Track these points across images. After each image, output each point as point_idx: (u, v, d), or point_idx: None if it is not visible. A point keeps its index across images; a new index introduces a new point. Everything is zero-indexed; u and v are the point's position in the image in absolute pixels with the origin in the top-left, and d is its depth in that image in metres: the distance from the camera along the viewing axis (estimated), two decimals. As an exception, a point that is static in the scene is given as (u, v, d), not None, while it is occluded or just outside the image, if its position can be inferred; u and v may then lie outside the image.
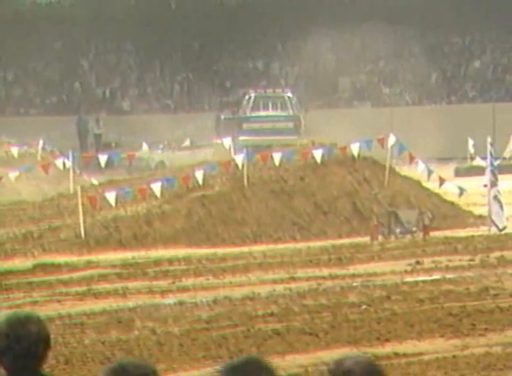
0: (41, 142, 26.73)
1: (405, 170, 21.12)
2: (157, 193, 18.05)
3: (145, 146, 30.00)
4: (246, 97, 31.91)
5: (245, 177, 18.87)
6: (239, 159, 19.41)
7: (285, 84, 40.92)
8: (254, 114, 31.26)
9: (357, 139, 20.74)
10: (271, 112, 31.49)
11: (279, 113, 31.48)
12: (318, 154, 19.51)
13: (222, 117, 33.05)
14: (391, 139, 19.97)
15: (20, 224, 18.23)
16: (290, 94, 32.14)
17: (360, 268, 14.46)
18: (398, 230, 17.87)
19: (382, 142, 20.01)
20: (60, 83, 42.75)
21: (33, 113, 41.07)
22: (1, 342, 3.60)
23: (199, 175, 18.78)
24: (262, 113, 31.46)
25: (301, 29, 39.77)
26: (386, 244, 17.17)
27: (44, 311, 11.36)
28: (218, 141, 26.75)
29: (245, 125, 30.63)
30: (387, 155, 19.90)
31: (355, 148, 19.81)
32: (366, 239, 17.60)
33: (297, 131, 30.53)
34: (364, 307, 11.58)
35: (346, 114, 37.16)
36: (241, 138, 27.80)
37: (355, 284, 13.01)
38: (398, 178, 20.25)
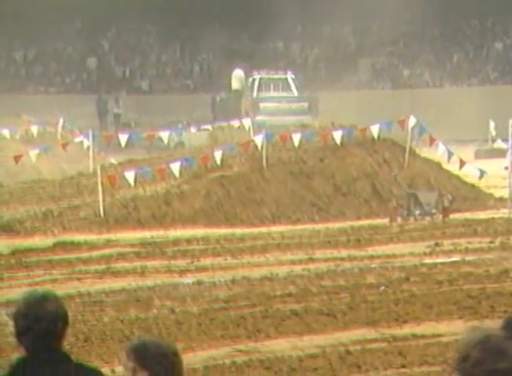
0: (60, 120, 26.80)
1: (425, 152, 21.02)
2: (176, 173, 18.06)
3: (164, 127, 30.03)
4: (251, 79, 32.04)
5: (264, 158, 18.84)
6: (259, 140, 19.37)
7: (304, 65, 40.75)
8: (271, 95, 31.41)
9: (377, 120, 20.64)
10: (283, 93, 31.68)
11: (293, 94, 31.71)
12: (338, 136, 19.45)
13: (218, 98, 33.21)
14: (412, 121, 19.86)
15: (40, 202, 18.31)
16: (292, 75, 32.31)
17: (379, 249, 14.43)
18: (417, 212, 17.81)
19: (402, 123, 19.91)
20: (80, 62, 42.80)
21: (53, 91, 41.16)
22: (20, 322, 3.60)
23: (218, 155, 18.76)
24: (281, 93, 31.58)
25: (321, 11, 39.55)
26: (405, 225, 17.12)
27: (63, 289, 11.41)
28: (237, 122, 26.84)
29: (261, 106, 30.76)
30: (407, 137, 19.80)
31: (374, 130, 19.72)
32: (385, 220, 17.55)
33: (312, 111, 30.55)
34: (382, 288, 11.56)
35: (366, 96, 36.99)
36: (258, 118, 27.95)
37: (373, 266, 12.99)
38: (418, 160, 20.16)
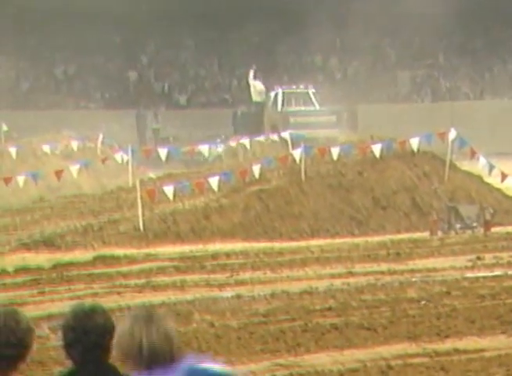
0: (100, 135, 27.01)
1: (465, 165, 20.84)
2: (215, 187, 18.09)
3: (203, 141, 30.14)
4: (273, 93, 32.13)
5: (302, 171, 18.80)
6: (297, 153, 19.34)
7: (343, 78, 40.69)
8: (300, 109, 31.78)
9: (417, 133, 20.52)
10: (305, 107, 32.05)
11: (315, 107, 32.14)
12: (377, 149, 19.35)
13: (239, 112, 33.46)
14: (452, 134, 19.71)
15: (81, 217, 18.44)
16: (313, 89, 32.49)
17: (419, 263, 14.30)
18: (458, 226, 17.64)
19: (442, 136, 19.76)
20: (120, 77, 43.17)
21: (92, 107, 41.55)
22: (69, 335, 3.63)
23: (256, 169, 18.77)
24: (303, 107, 32.00)
25: (359, 24, 39.50)
26: (446, 239, 16.96)
27: (104, 302, 11.43)
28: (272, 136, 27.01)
29: (292, 119, 31.09)
30: (447, 150, 19.65)
31: (414, 142, 19.59)
32: (426, 234, 17.41)
33: (339, 124, 30.70)
34: (423, 302, 11.45)
35: (405, 109, 36.81)
36: (289, 132, 28.30)
37: (414, 279, 12.87)
38: (459, 173, 19.98)
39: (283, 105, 31.93)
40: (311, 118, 30.93)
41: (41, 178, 21.38)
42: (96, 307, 3.68)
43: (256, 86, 32.43)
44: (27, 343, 3.50)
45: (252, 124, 31.26)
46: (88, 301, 3.84)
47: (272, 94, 32.30)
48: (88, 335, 3.60)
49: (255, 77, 32.53)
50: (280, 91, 32.18)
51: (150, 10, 43.21)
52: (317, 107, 31.96)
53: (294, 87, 32.89)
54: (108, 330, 3.62)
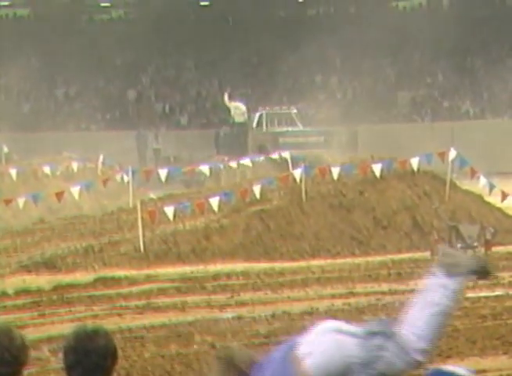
0: (101, 157, 27.04)
1: (466, 184, 20.84)
2: (215, 207, 18.08)
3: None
4: (257, 114, 32.67)
5: (303, 191, 18.81)
6: (297, 173, 19.36)
7: (343, 98, 40.79)
8: (289, 129, 32.31)
9: (417, 153, 20.54)
10: (294, 128, 32.65)
11: (298, 128, 32.71)
12: (377, 168, 19.37)
13: (222, 133, 33.92)
14: (452, 153, 19.73)
15: (81, 238, 18.43)
16: (295, 110, 33.14)
17: (420, 283, 14.25)
18: (459, 245, 17.61)
19: (442, 156, 19.78)
20: (120, 98, 43.27)
21: (93, 128, 41.62)
22: (70, 357, 3.62)
23: (256, 189, 18.77)
24: (294, 128, 32.58)
25: (359, 43, 39.63)
26: (447, 259, 16.90)
27: (104, 324, 11.41)
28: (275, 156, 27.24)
29: (281, 140, 31.62)
30: (447, 169, 19.66)
31: (414, 162, 19.61)
32: (427, 254, 17.38)
33: (328, 144, 31.00)
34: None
35: (405, 129, 36.87)
36: (279, 152, 28.80)
37: (415, 300, 12.82)
38: (459, 193, 19.99)
39: (267, 126, 32.48)
40: (300, 139, 31.43)
41: (42, 199, 21.37)
42: (99, 329, 3.67)
43: (238, 107, 32.97)
44: (21, 360, 3.48)
45: (235, 145, 31.93)
46: (91, 324, 3.84)
47: (257, 115, 32.82)
48: (89, 357, 3.58)
49: (230, 99, 33.18)
50: (264, 112, 32.76)
51: (150, 31, 43.38)
52: (301, 128, 32.58)
53: (278, 108, 33.51)
54: (110, 353, 3.61)
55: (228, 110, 33.30)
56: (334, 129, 33.16)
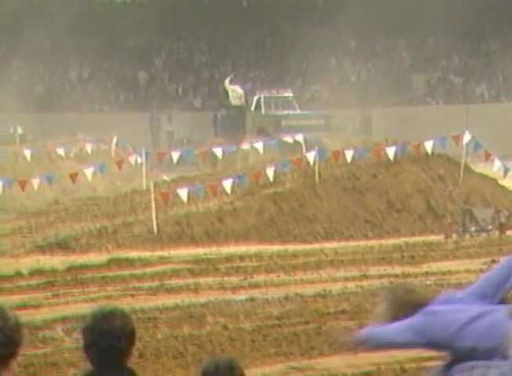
0: (114, 138, 27.07)
1: (480, 167, 20.76)
2: (228, 189, 18.09)
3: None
4: (256, 97, 32.62)
5: (316, 174, 18.78)
6: (311, 156, 19.32)
7: (357, 81, 40.65)
8: (290, 112, 32.55)
9: (431, 136, 20.46)
10: (293, 111, 32.91)
11: (312, 111, 32.99)
12: (391, 151, 19.30)
13: (219, 116, 34.17)
14: (466, 136, 19.64)
15: (95, 219, 18.48)
16: (291, 94, 33.01)
17: (434, 266, 14.25)
18: (473, 229, 17.56)
19: (457, 139, 19.70)
20: (134, 81, 43.26)
21: (107, 109, 41.65)
22: (87, 337, 3.67)
23: (270, 171, 18.75)
24: (297, 112, 32.87)
25: (374, 26, 39.43)
26: (460, 242, 16.89)
27: (118, 305, 11.45)
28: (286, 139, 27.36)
29: (283, 123, 31.87)
30: (462, 152, 19.58)
31: (429, 145, 19.54)
32: (440, 237, 17.34)
33: (328, 128, 31.36)
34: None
35: (420, 111, 36.72)
36: (281, 135, 29.01)
37: (428, 282, 12.82)
38: (474, 176, 19.91)
39: (265, 109, 32.69)
40: (302, 122, 31.67)
41: (56, 181, 21.43)
42: (116, 310, 3.69)
43: (235, 91, 33.20)
44: (16, 341, 3.43)
45: (232, 128, 32.13)
46: (110, 305, 3.86)
47: (255, 98, 33.00)
48: (103, 337, 3.61)
49: (231, 83, 33.43)
50: (262, 95, 32.97)
51: (164, 14, 43.30)
52: (298, 111, 32.81)
53: (275, 91, 33.75)
54: (125, 334, 3.62)
55: (227, 93, 33.53)
56: (334, 113, 33.49)
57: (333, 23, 38.57)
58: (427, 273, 13.60)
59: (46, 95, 42.15)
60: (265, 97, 32.96)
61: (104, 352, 3.61)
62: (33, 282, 13.67)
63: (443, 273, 13.56)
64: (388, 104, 37.85)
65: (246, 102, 33.08)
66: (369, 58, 40.53)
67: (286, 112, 32.58)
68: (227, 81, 33.65)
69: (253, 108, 32.84)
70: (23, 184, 20.27)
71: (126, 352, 3.64)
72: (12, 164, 25.10)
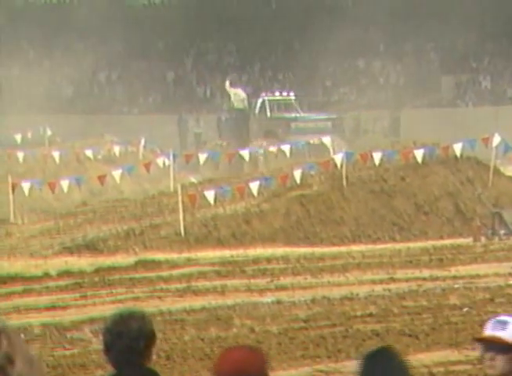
0: (142, 140, 27.16)
1: (510, 170, 20.59)
2: (255, 191, 18.08)
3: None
4: (260, 100, 32.68)
5: (344, 176, 18.72)
6: (338, 158, 19.27)
7: (386, 83, 40.49)
8: (301, 115, 32.70)
9: (460, 138, 20.33)
10: (295, 114, 32.96)
11: (320, 114, 33.04)
12: (419, 154, 19.21)
13: (223, 118, 34.38)
14: (496, 139, 19.50)
15: (123, 221, 18.55)
16: (293, 97, 33.26)
17: (462, 269, 14.14)
18: (502, 232, 17.42)
19: (486, 141, 19.56)
20: (162, 83, 43.41)
21: (135, 111, 41.81)
22: (107, 338, 3.70)
23: (297, 174, 18.73)
24: (308, 114, 33.04)
25: (403, 28, 39.26)
26: (489, 245, 16.76)
27: (145, 307, 11.49)
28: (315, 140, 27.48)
29: (293, 125, 32.03)
30: (491, 155, 19.44)
31: (457, 148, 19.41)
32: (469, 240, 17.22)
33: (336, 130, 31.59)
34: (466, 309, 11.31)
35: (449, 113, 36.50)
36: (291, 137, 29.19)
37: (456, 286, 12.73)
38: (503, 179, 19.75)
39: (270, 112, 32.83)
40: (310, 124, 31.85)
41: (85, 182, 21.55)
42: (135, 312, 3.72)
43: (238, 94, 33.41)
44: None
45: (236, 130, 32.09)
46: (130, 307, 3.89)
47: (259, 101, 33.09)
48: (121, 339, 3.64)
49: (231, 86, 33.65)
50: (266, 98, 33.07)
51: (192, 16, 43.38)
52: (301, 114, 32.95)
53: (278, 94, 33.85)
54: (143, 335, 3.64)
55: (229, 95, 33.73)
56: (340, 115, 33.62)
57: (362, 24, 38.46)
58: (455, 277, 13.51)
59: (75, 97, 42.40)
60: (269, 100, 33.16)
61: (122, 354, 3.64)
62: (61, 283, 13.75)
63: (471, 277, 13.46)
64: (417, 106, 37.68)
65: (249, 104, 33.33)
66: (398, 59, 40.36)
67: (292, 115, 32.79)
68: (227, 84, 33.90)
69: (257, 111, 33.08)
70: (52, 186, 20.39)
71: (144, 353, 3.66)
72: (41, 166, 25.29)
